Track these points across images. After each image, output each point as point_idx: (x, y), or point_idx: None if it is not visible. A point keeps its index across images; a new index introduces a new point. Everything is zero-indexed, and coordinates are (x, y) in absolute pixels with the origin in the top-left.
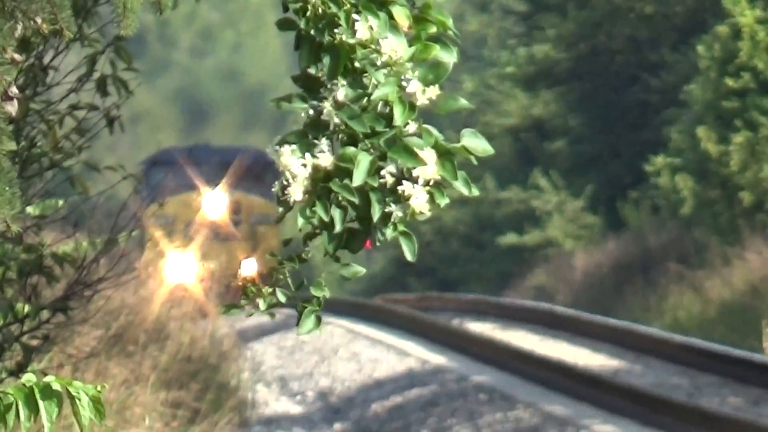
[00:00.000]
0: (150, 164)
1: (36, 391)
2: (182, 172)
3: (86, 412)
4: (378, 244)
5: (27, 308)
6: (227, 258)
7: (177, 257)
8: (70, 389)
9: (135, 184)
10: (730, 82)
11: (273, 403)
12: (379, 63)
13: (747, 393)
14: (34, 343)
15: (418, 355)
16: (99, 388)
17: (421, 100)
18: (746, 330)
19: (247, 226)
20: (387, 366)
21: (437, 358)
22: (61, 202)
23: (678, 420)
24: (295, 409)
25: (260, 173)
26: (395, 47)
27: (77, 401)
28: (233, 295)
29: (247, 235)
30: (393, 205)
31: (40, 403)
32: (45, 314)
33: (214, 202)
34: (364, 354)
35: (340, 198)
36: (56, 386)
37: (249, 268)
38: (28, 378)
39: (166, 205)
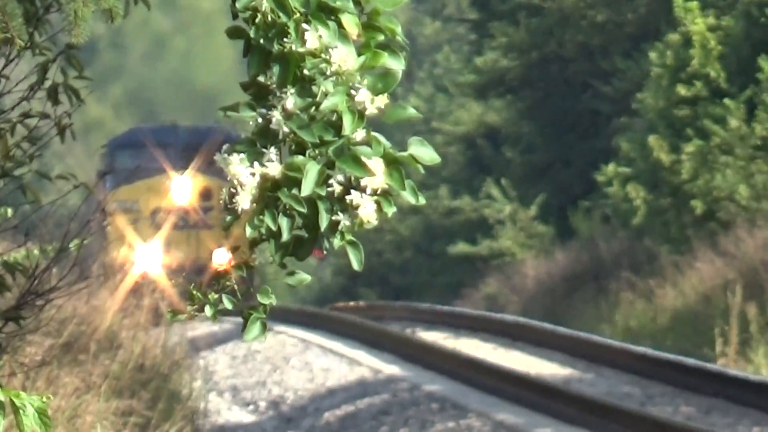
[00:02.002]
0: (114, 146)
1: None
2: (148, 155)
3: (30, 421)
4: (325, 252)
5: None
6: (196, 247)
7: (143, 246)
8: (16, 400)
9: (98, 167)
10: (681, 90)
11: (225, 412)
12: (328, 72)
13: (699, 402)
14: None
15: (370, 364)
16: (45, 399)
17: (370, 110)
18: (698, 339)
19: (217, 213)
20: (339, 375)
21: (389, 368)
22: (11, 211)
23: (630, 429)
24: (248, 418)
25: None
26: (344, 56)
27: (22, 412)
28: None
29: (217, 223)
30: (341, 214)
31: None
32: None
33: (183, 187)
34: (316, 363)
35: (288, 207)
36: (1, 397)
37: (221, 258)
38: None
39: (131, 190)
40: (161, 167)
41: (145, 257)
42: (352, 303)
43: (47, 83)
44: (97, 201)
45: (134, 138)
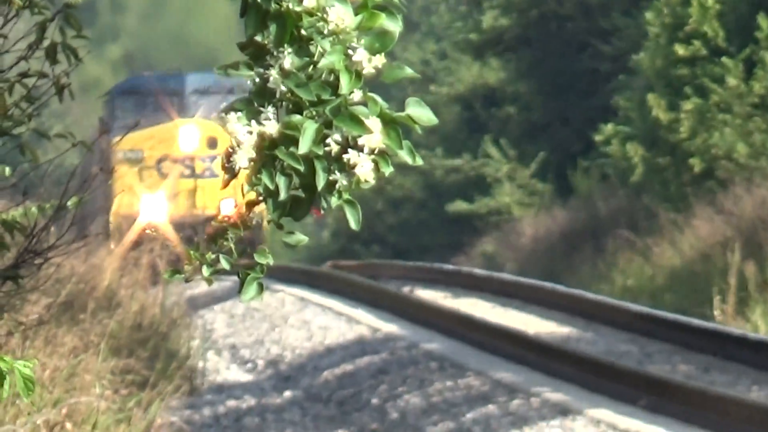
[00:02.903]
0: (117, 92)
1: None
2: (153, 102)
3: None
4: (323, 211)
5: None
6: (203, 197)
7: (148, 195)
8: (2, 365)
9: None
10: (680, 49)
11: (223, 371)
12: (325, 31)
13: (697, 360)
14: None
15: (368, 322)
16: (31, 365)
17: (367, 69)
18: (696, 297)
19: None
20: (337, 333)
21: (387, 326)
22: (9, 170)
23: (628, 387)
24: (246, 377)
25: None
26: (342, 16)
27: (7, 376)
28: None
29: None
30: (338, 174)
31: None
32: None
33: (189, 135)
34: (314, 322)
35: (285, 166)
36: None
37: (228, 207)
38: None
39: (135, 138)
40: (166, 114)
41: (151, 207)
42: (353, 262)
43: (46, 42)
44: (100, 150)
45: (138, 85)
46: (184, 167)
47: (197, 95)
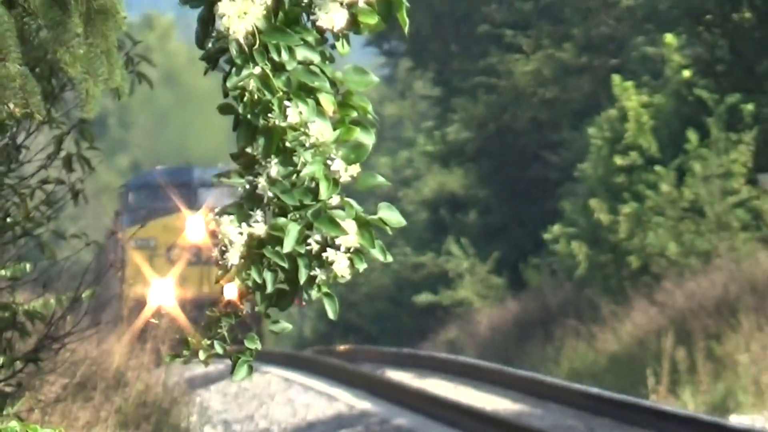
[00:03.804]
0: (130, 187)
1: None
2: (163, 195)
3: None
4: (305, 303)
5: (2, 359)
6: (208, 282)
7: (158, 280)
8: None
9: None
10: (618, 159)
11: None
12: (307, 144)
13: None
14: (8, 389)
15: (345, 400)
16: None
17: (344, 177)
18: (633, 378)
19: None
20: (318, 410)
21: (362, 404)
22: (30, 266)
23: None
24: None
25: None
26: (322, 130)
27: None
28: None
29: None
30: (318, 270)
31: None
32: (18, 364)
33: (196, 225)
34: (298, 400)
35: (271, 263)
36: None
37: (231, 292)
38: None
39: (146, 228)
40: (176, 206)
41: (160, 291)
42: (341, 347)
43: (62, 153)
44: (115, 238)
45: (150, 179)
46: (191, 255)
47: (204, 188)
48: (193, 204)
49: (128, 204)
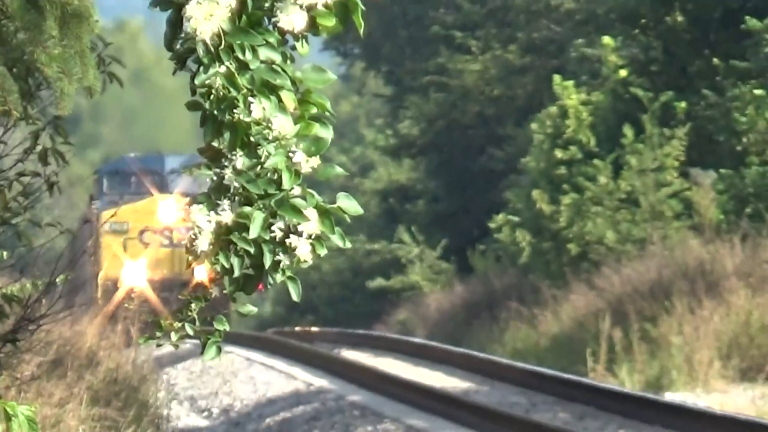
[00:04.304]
0: (104, 172)
1: None
2: (136, 180)
3: (19, 428)
4: (269, 286)
5: None
6: (179, 264)
7: (131, 263)
8: (8, 410)
9: (90, 192)
10: (559, 153)
11: (184, 418)
12: (270, 138)
13: (574, 409)
14: None
15: (303, 378)
16: (33, 409)
17: (305, 168)
18: (573, 357)
19: None
20: (278, 387)
21: (319, 381)
22: (6, 254)
23: (517, 431)
24: (203, 423)
25: None
26: (284, 125)
27: (14, 419)
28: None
29: None
30: (282, 255)
31: None
32: None
33: (167, 209)
34: (259, 377)
35: (238, 248)
36: None
37: (201, 273)
38: None
39: (120, 212)
40: (148, 191)
41: (133, 273)
42: (297, 328)
43: (38, 148)
44: (89, 223)
45: (123, 165)
46: (163, 237)
47: (175, 174)
48: (165, 189)
49: (102, 189)
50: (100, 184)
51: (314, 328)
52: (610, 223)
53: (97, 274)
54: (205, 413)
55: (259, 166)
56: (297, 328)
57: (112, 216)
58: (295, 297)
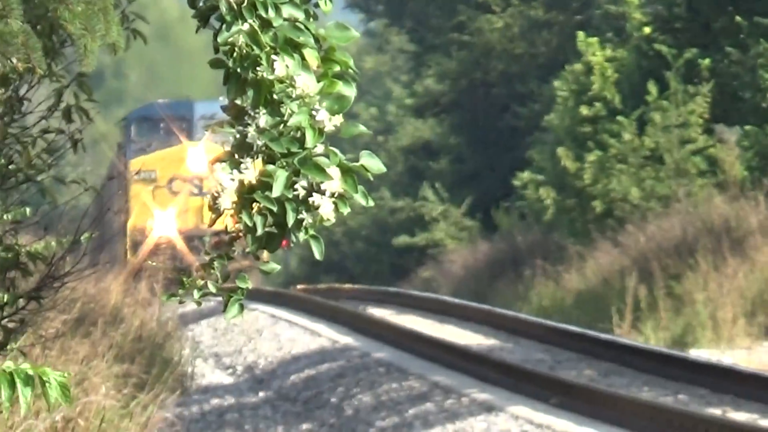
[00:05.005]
0: (133, 119)
1: (16, 376)
2: (165, 127)
3: (54, 394)
4: (293, 244)
5: (6, 297)
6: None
7: (160, 212)
8: (41, 375)
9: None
10: (584, 110)
11: (209, 375)
12: (293, 96)
13: (599, 366)
14: (12, 326)
15: (328, 335)
16: (65, 375)
17: (328, 127)
18: (598, 314)
19: None
20: (302, 345)
21: (344, 339)
22: (30, 211)
23: (542, 388)
24: (227, 380)
25: None
26: (307, 83)
27: (47, 385)
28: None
29: None
30: (305, 213)
31: (19, 388)
32: (21, 302)
33: (197, 156)
34: (284, 335)
35: (261, 207)
36: (30, 372)
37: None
38: (8, 365)
39: (148, 160)
40: (177, 138)
41: (162, 222)
42: (321, 285)
43: (62, 105)
44: (117, 170)
45: (151, 111)
46: (192, 186)
47: (204, 120)
48: (194, 136)
49: (130, 136)
50: (128, 131)
51: (347, 285)
52: (634, 180)
53: (125, 225)
54: (230, 370)
55: (282, 125)
56: (321, 285)
57: (141, 164)
58: (318, 255)
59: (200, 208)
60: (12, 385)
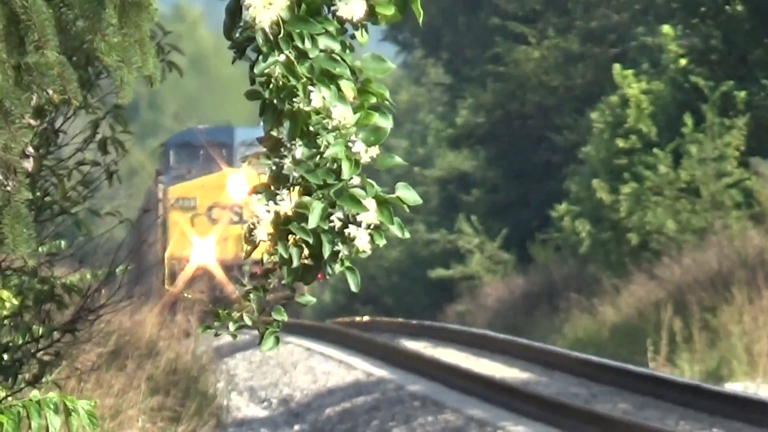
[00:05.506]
0: (171, 145)
1: (45, 405)
2: (205, 153)
3: (79, 421)
4: (328, 276)
5: (41, 330)
6: None
7: (199, 240)
8: (68, 403)
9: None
10: (620, 142)
11: (244, 408)
12: (330, 127)
13: (634, 400)
14: (47, 358)
15: (363, 368)
16: (92, 403)
17: (364, 158)
18: (633, 347)
19: None
20: (338, 377)
21: (379, 371)
22: (67, 242)
23: (577, 422)
24: (262, 413)
25: None
26: (343, 114)
27: (73, 413)
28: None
29: None
30: (340, 245)
31: (48, 417)
32: (56, 335)
33: (238, 184)
34: (319, 368)
35: (297, 238)
36: (56, 401)
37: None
38: (34, 395)
39: (188, 187)
40: (217, 165)
41: (201, 251)
42: (358, 318)
43: (98, 137)
44: (155, 198)
45: (191, 137)
46: (232, 214)
47: (245, 147)
48: (234, 162)
49: (169, 163)
50: (167, 157)
51: (366, 318)
52: (670, 212)
53: (162, 254)
54: (265, 403)
55: (319, 156)
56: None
57: (179, 191)
58: (354, 287)
59: (240, 236)
60: (42, 416)
